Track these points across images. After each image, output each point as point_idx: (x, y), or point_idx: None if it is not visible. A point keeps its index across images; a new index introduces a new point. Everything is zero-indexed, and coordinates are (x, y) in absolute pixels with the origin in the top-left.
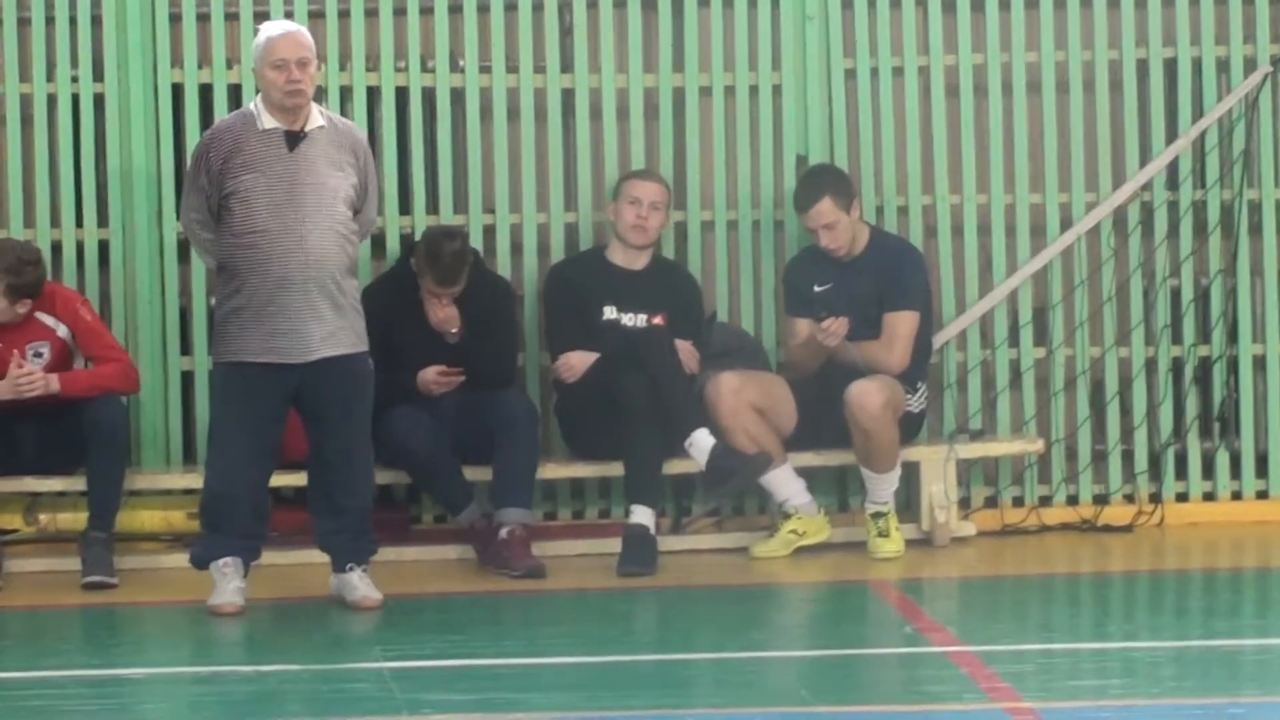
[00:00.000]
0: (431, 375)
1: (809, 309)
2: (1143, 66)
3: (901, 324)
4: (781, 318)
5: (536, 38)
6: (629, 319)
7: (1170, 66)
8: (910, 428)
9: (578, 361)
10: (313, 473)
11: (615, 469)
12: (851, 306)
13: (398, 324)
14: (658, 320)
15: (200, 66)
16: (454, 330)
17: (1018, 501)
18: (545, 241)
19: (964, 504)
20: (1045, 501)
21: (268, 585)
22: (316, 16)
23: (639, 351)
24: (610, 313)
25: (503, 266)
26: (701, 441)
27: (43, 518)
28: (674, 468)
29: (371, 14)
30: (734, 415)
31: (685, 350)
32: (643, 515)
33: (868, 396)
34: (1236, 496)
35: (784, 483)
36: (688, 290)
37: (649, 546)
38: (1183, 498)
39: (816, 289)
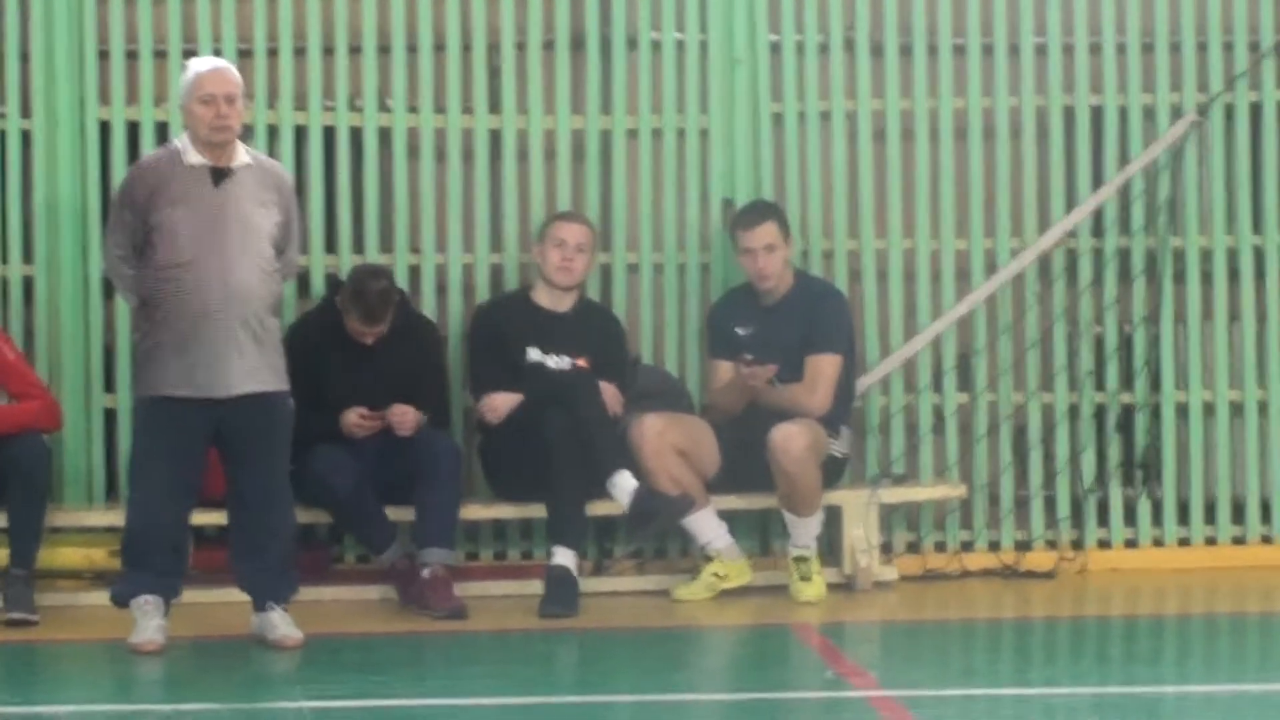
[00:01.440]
0: (353, 419)
1: (731, 351)
2: (1069, 113)
3: (824, 366)
4: (704, 360)
5: (465, 78)
6: (554, 360)
7: (1096, 114)
8: (833, 471)
9: (501, 403)
10: (232, 511)
11: (538, 510)
12: (774, 350)
13: (321, 361)
14: (581, 363)
15: (128, 103)
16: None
17: (940, 546)
18: (470, 282)
19: (886, 549)
20: (968, 547)
21: (188, 623)
22: (245, 55)
23: (563, 393)
24: (535, 354)
25: (428, 307)
26: (624, 483)
27: None
28: (596, 509)
29: (300, 53)
30: (657, 457)
31: (609, 392)
32: (564, 556)
33: (791, 440)
34: (1158, 544)
35: (706, 526)
36: (612, 332)
37: (571, 588)
38: (1105, 544)
39: (739, 331)
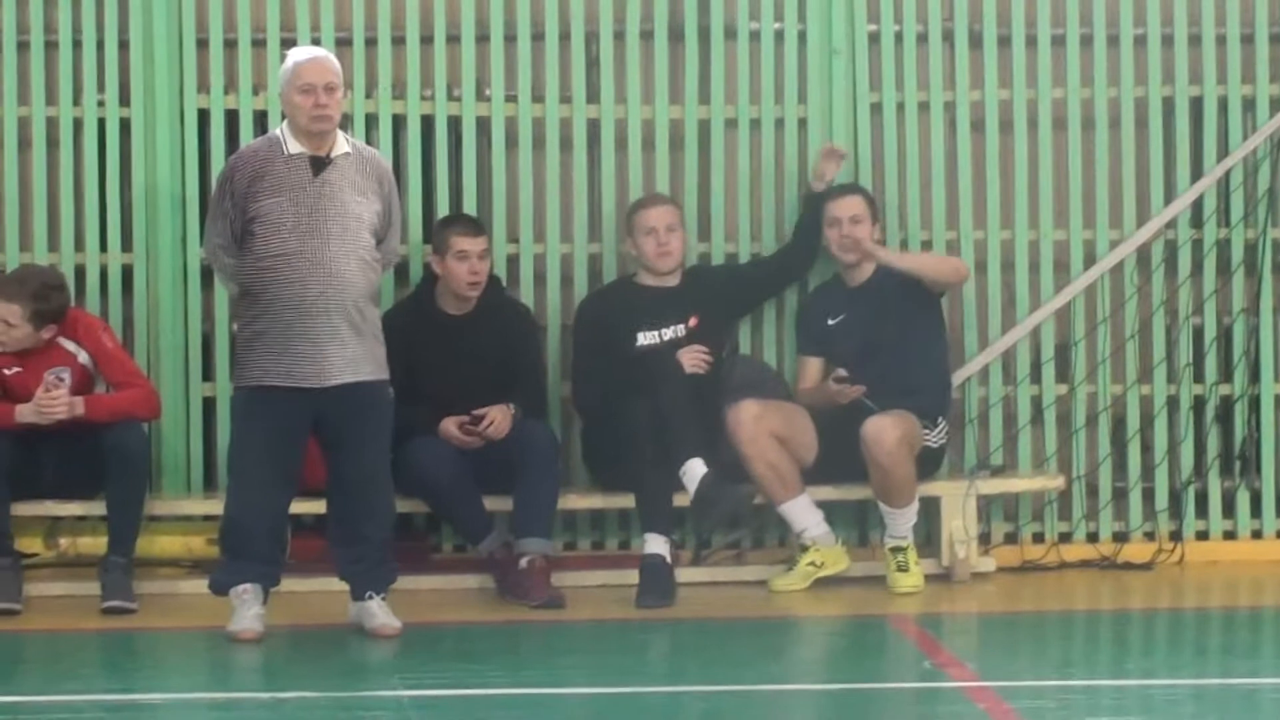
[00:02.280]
0: (453, 430)
1: (820, 348)
2: (1169, 104)
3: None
4: (795, 357)
5: (563, 68)
6: (668, 333)
7: (1196, 105)
8: (930, 463)
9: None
10: (332, 500)
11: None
12: (867, 333)
13: (417, 347)
14: (693, 323)
15: (227, 92)
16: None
17: (1038, 538)
18: (569, 272)
19: (984, 539)
20: (1065, 538)
21: (286, 612)
22: (344, 44)
23: (650, 381)
24: (645, 337)
25: (526, 296)
26: (693, 470)
27: (63, 542)
28: (687, 499)
29: (399, 42)
30: (754, 443)
31: (690, 354)
32: (656, 544)
33: (883, 433)
34: (1257, 535)
35: (802, 513)
36: (715, 281)
37: (666, 577)
38: (1203, 536)
39: (830, 322)
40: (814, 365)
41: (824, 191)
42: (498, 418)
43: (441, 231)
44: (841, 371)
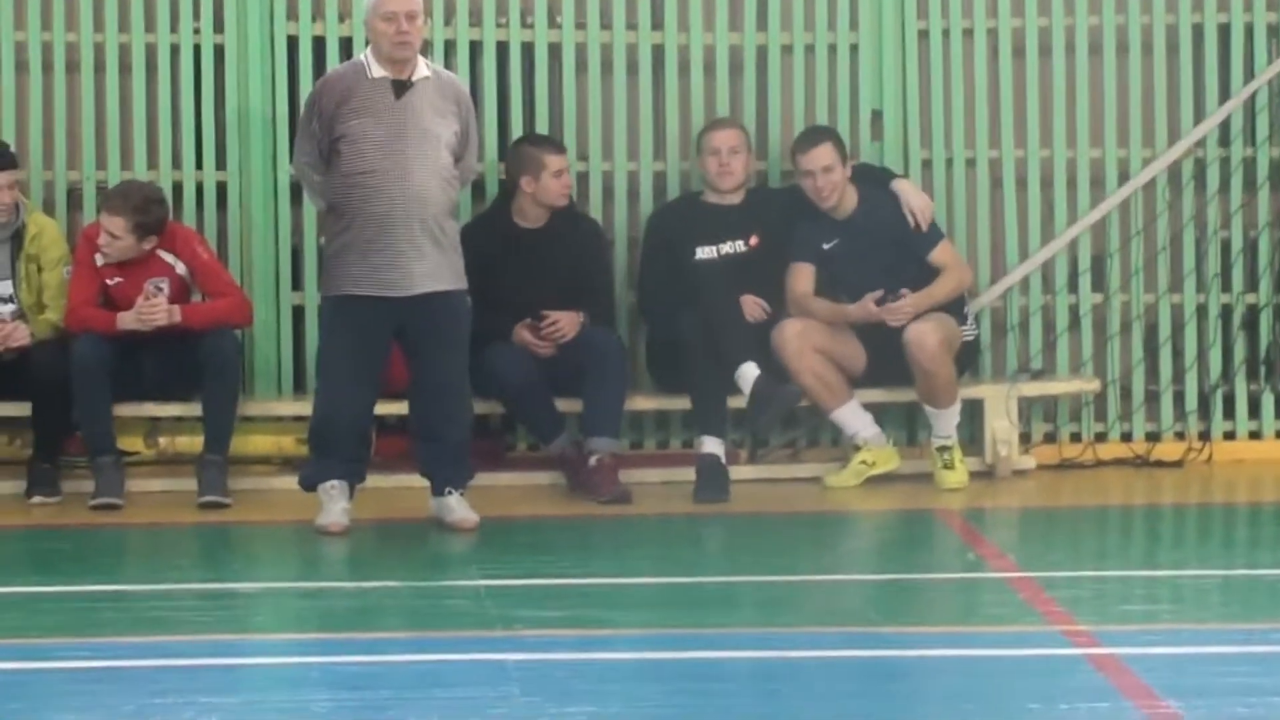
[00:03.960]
0: (526, 335)
1: (815, 260)
2: (1198, 30)
3: (944, 254)
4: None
5: None
6: (728, 247)
7: (1224, 31)
8: (968, 356)
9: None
10: (414, 402)
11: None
12: (864, 258)
13: (495, 258)
14: (754, 241)
15: (314, 20)
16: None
17: (1075, 437)
18: (635, 188)
19: (1025, 439)
20: (1101, 438)
21: (371, 507)
22: None
23: (700, 293)
24: (704, 252)
25: (595, 211)
26: (747, 373)
27: (162, 441)
28: (742, 401)
29: None
30: (799, 357)
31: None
32: (712, 445)
33: (925, 337)
34: None
35: (852, 417)
36: (785, 204)
37: (721, 474)
38: (1230, 436)
39: (825, 246)
40: (807, 272)
41: (796, 141)
42: (564, 322)
43: (532, 151)
44: (877, 293)
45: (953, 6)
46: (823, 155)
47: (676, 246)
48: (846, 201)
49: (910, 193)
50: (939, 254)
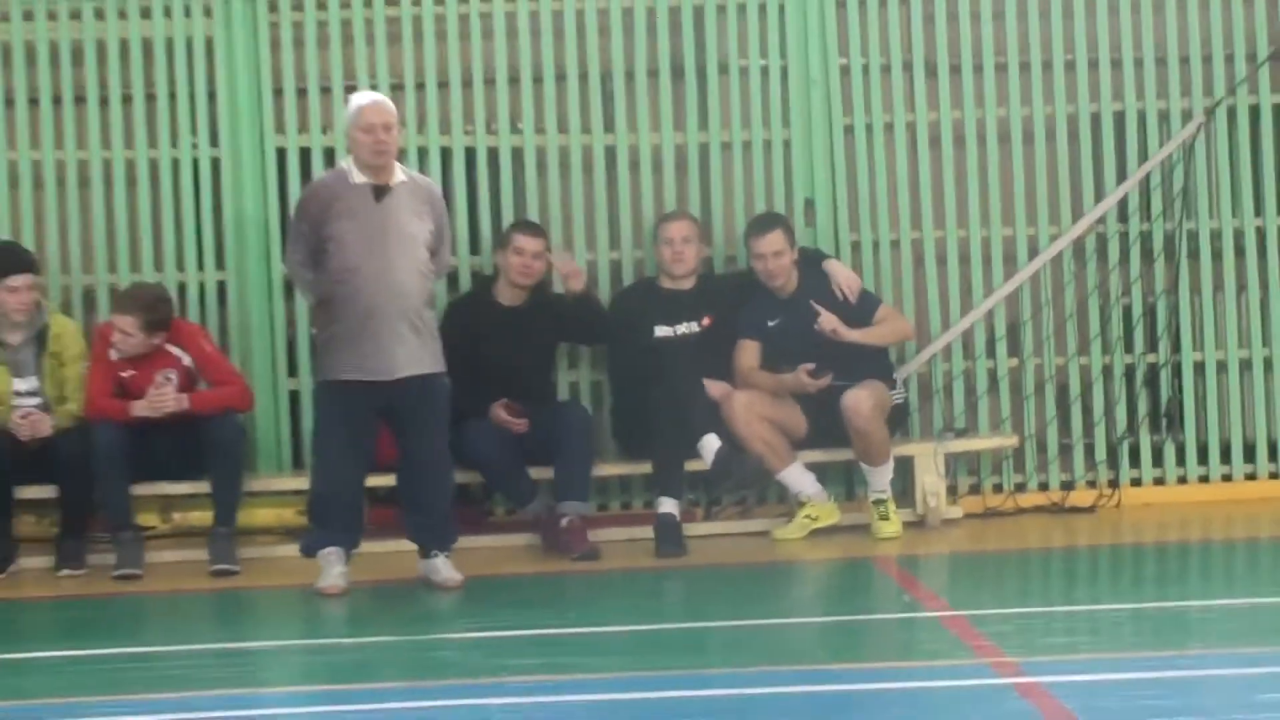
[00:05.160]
0: (501, 414)
1: (760, 337)
2: (1095, 119)
3: (885, 311)
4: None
5: (583, 103)
6: (683, 328)
7: (1119, 118)
8: (899, 418)
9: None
10: (401, 475)
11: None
12: (804, 335)
13: (475, 331)
14: (706, 322)
15: (300, 132)
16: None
17: (997, 488)
18: (594, 274)
19: (952, 491)
20: (1020, 488)
21: (366, 570)
22: (397, 88)
23: (665, 370)
24: (661, 330)
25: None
26: (709, 444)
27: (176, 516)
28: (699, 465)
29: (443, 85)
30: (747, 426)
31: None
32: (669, 505)
33: (860, 403)
34: (1183, 481)
35: (797, 477)
36: (726, 287)
37: (677, 532)
38: (1137, 483)
39: (770, 324)
40: (753, 348)
41: (750, 227)
42: (572, 263)
43: (508, 230)
44: (809, 365)
45: (874, 103)
46: (774, 241)
47: (636, 327)
48: (790, 282)
49: (838, 271)
50: (880, 315)
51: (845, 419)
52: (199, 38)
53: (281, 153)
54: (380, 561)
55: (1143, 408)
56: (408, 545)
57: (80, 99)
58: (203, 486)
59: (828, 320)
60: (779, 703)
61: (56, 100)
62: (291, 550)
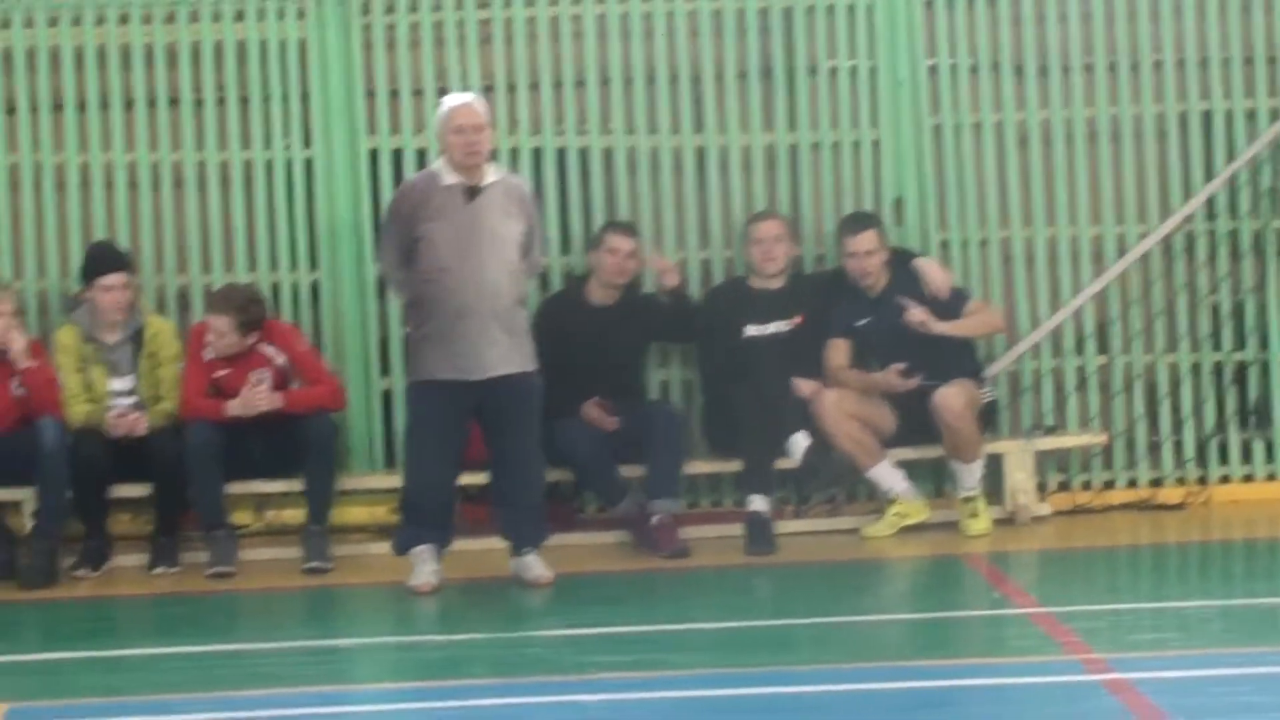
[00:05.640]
0: (593, 413)
1: (850, 336)
2: (1183, 118)
3: (976, 303)
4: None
5: (673, 105)
6: (773, 328)
7: (1206, 117)
8: (989, 416)
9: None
10: (493, 473)
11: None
12: (894, 334)
13: (566, 329)
14: (798, 320)
15: (392, 134)
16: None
17: (1086, 486)
18: (682, 274)
19: (1041, 489)
20: (1109, 485)
21: (457, 567)
22: (489, 90)
23: (755, 369)
24: (751, 330)
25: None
26: (798, 442)
27: (269, 514)
28: (788, 463)
29: (534, 87)
30: (836, 424)
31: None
32: (759, 503)
33: (951, 399)
34: (1271, 478)
35: (886, 475)
36: (817, 286)
37: (768, 530)
38: (1225, 480)
39: (858, 324)
40: (843, 347)
41: (843, 225)
42: (668, 264)
43: (601, 230)
44: (900, 365)
45: (962, 103)
46: (868, 239)
47: (727, 325)
48: (880, 280)
49: (928, 268)
50: (971, 308)
51: (937, 416)
52: (292, 40)
53: (374, 154)
54: (472, 559)
55: (1231, 405)
56: (499, 543)
57: (174, 101)
58: (296, 485)
59: (916, 312)
60: (867, 699)
61: (151, 103)
62: (384, 548)
